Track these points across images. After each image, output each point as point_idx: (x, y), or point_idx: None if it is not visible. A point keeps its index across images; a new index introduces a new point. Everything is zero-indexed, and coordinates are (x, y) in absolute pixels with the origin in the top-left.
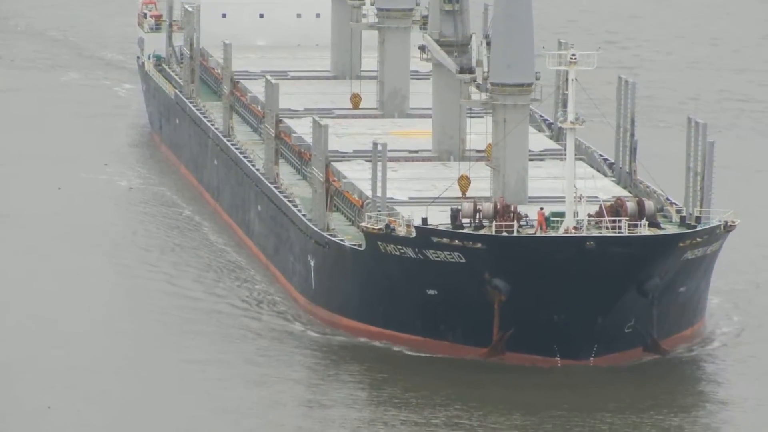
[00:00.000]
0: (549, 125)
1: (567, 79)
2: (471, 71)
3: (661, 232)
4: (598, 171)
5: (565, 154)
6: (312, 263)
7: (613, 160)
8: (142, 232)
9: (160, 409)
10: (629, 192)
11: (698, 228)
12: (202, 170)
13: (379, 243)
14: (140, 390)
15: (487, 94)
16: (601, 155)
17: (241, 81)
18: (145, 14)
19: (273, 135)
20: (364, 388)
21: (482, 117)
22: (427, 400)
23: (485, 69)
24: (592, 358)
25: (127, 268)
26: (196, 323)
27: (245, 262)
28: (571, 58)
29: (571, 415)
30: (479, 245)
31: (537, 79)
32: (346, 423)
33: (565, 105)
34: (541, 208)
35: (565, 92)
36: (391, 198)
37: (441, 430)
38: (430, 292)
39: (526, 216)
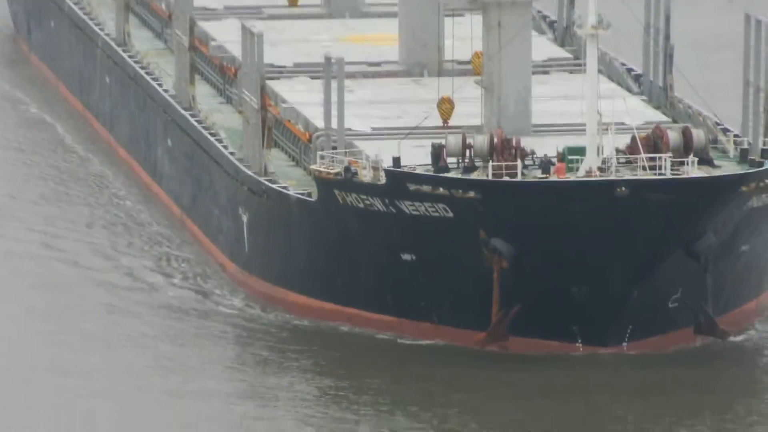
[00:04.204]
0: (551, 25)
1: None
2: None
3: (717, 172)
4: (621, 86)
5: (581, 67)
6: (245, 219)
7: (640, 71)
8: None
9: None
10: (665, 115)
11: (766, 165)
12: (90, 91)
13: (336, 192)
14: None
15: None
16: (624, 64)
17: None
18: None
19: (186, 44)
20: (316, 387)
21: (464, 16)
22: (400, 403)
23: None
24: (625, 344)
25: None
26: (87, 304)
27: (149, 214)
28: None
29: (597, 420)
30: (471, 194)
31: None
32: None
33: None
34: (561, 155)
35: None
36: (349, 129)
37: None
38: (406, 257)
39: (533, 152)
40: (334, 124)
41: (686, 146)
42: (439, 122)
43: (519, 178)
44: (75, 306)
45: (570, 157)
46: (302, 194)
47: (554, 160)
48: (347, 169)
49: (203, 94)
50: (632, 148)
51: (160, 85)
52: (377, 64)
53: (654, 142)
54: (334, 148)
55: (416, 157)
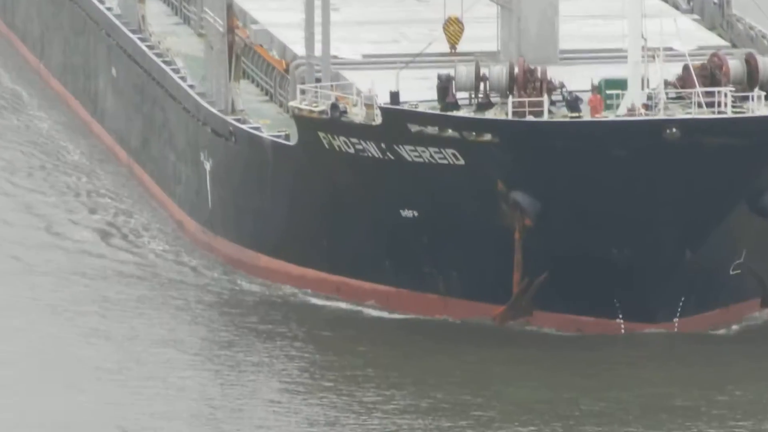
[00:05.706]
0: None
1: None
2: None
3: None
4: (667, 3)
5: None
6: (207, 166)
7: None
8: None
9: None
10: (722, 38)
11: None
12: (14, 9)
13: (321, 134)
14: None
15: None
16: None
17: None
18: None
19: None
20: (298, 374)
21: None
22: (401, 395)
23: None
24: (676, 320)
25: None
26: (28, 269)
27: (90, 161)
28: None
29: (646, 418)
30: (488, 137)
31: None
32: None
33: None
34: (596, 89)
35: None
36: (336, 57)
37: None
38: (407, 213)
39: (562, 85)
40: (318, 51)
41: (750, 77)
42: (446, 48)
43: (545, 117)
44: None
45: (608, 92)
46: (279, 137)
47: (584, 96)
48: (334, 106)
49: (155, 13)
50: (684, 80)
51: (102, 2)
52: None
53: (711, 72)
54: (318, 80)
55: (419, 91)
